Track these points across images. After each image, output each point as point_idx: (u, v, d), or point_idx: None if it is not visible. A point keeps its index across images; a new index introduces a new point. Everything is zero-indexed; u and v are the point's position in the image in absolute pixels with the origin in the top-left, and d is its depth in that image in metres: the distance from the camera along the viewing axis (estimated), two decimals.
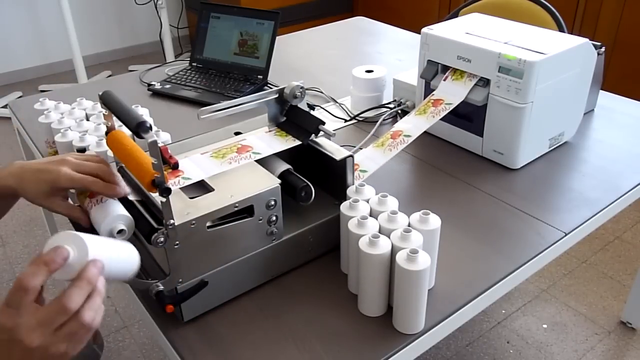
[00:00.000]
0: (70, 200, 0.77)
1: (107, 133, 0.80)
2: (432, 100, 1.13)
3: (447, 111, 1.09)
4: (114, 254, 0.64)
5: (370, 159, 1.02)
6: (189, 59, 1.63)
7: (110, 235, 0.70)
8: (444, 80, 1.14)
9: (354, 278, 0.82)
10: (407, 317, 0.75)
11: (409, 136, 1.06)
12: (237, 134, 0.94)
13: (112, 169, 0.77)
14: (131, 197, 0.78)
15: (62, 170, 0.72)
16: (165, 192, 0.67)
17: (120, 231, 0.71)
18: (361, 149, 1.20)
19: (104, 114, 0.80)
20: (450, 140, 1.22)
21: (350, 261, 0.81)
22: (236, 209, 0.76)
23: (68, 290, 0.56)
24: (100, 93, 0.76)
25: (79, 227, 0.75)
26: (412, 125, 1.08)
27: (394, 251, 0.74)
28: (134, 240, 0.81)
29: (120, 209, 0.73)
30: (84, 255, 0.58)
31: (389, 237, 0.75)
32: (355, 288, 0.82)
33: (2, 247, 2.12)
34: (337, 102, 1.43)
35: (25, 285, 0.54)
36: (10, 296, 0.55)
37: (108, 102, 0.75)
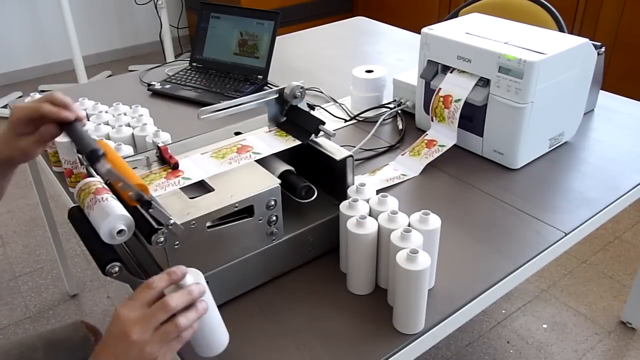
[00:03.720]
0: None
1: None
2: (426, 142, 1.17)
3: (441, 153, 1.14)
4: (215, 319, 0.69)
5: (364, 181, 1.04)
6: (189, 59, 1.64)
7: (110, 235, 0.70)
8: (432, 120, 1.18)
9: (353, 277, 0.82)
10: (407, 317, 0.75)
11: (405, 175, 1.11)
12: (237, 134, 0.94)
13: (66, 98, 0.76)
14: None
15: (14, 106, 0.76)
16: (146, 205, 0.67)
17: (120, 231, 0.71)
18: (361, 149, 1.20)
19: None
20: None
21: (349, 261, 0.81)
22: (236, 209, 0.76)
23: (171, 293, 0.62)
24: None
25: (83, 224, 0.75)
26: (407, 168, 1.13)
27: (392, 250, 0.74)
28: (133, 240, 0.81)
29: (120, 209, 0.73)
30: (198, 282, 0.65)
31: (389, 237, 0.75)
32: (355, 287, 0.83)
33: (2, 247, 2.12)
34: (337, 102, 1.43)
35: (150, 284, 0.62)
36: (136, 292, 0.62)
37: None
